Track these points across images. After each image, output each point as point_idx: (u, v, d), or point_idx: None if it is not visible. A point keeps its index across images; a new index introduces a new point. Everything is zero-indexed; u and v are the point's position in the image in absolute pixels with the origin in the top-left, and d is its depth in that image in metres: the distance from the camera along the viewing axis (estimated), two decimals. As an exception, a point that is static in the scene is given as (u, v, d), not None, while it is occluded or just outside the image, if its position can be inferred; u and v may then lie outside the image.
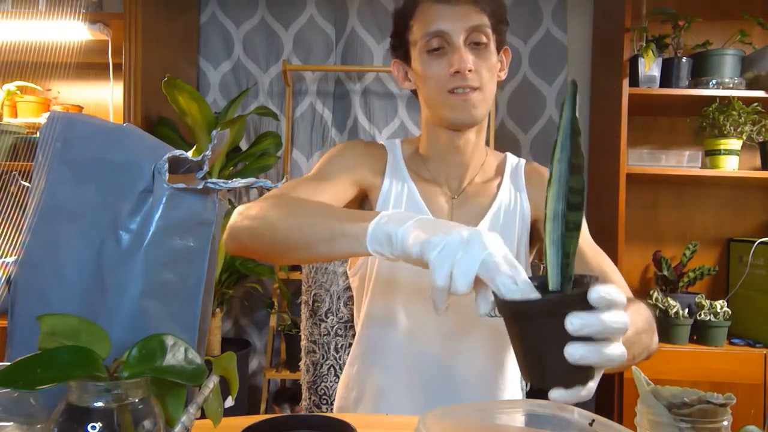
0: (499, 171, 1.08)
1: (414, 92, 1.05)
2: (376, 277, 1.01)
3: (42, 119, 0.60)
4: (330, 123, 2.55)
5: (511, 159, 1.10)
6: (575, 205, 0.52)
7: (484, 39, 0.93)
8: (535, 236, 1.06)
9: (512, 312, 0.53)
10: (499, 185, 1.05)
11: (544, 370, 0.52)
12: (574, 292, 0.51)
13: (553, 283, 0.53)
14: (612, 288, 0.50)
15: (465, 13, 0.92)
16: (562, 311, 0.49)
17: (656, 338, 0.85)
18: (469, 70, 0.91)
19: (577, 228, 0.52)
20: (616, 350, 0.51)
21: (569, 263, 0.52)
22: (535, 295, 0.52)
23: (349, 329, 1.20)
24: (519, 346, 0.54)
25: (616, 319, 0.50)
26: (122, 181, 0.56)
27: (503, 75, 1.02)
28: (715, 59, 2.10)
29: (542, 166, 1.10)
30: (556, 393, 0.51)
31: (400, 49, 1.01)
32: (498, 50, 0.98)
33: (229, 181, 0.58)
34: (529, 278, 0.54)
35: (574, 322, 0.49)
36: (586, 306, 0.49)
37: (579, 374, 0.51)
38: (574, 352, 0.49)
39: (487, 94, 0.95)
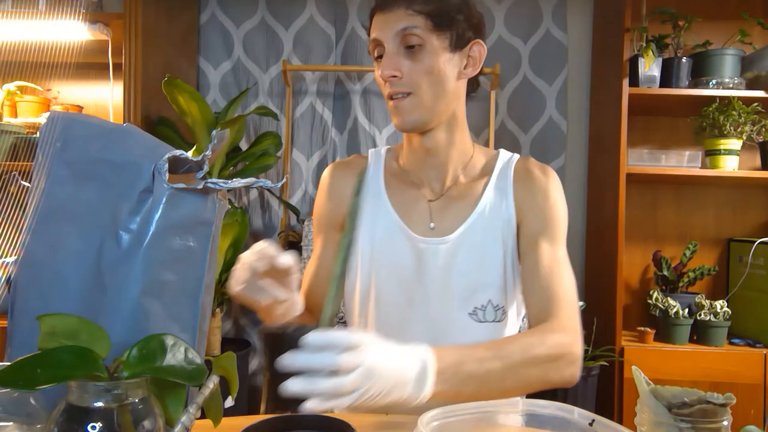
0: (488, 170, 1.04)
1: None
2: (361, 302, 1.03)
3: (42, 119, 0.60)
4: (330, 123, 2.55)
5: (503, 156, 1.06)
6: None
7: (415, 41, 0.91)
8: (522, 241, 1.00)
9: (265, 338, 0.64)
10: (486, 185, 1.02)
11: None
12: (295, 332, 0.62)
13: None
14: (324, 335, 0.61)
15: (394, 19, 0.91)
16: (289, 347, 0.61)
17: (568, 370, 0.84)
18: (393, 76, 0.91)
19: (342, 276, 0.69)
20: (328, 384, 0.60)
21: (337, 317, 0.67)
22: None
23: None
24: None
25: (321, 359, 0.60)
26: (122, 181, 0.56)
27: (471, 72, 0.98)
28: (715, 59, 2.10)
29: (536, 163, 1.04)
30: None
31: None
32: (457, 46, 0.94)
33: (229, 181, 0.58)
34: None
35: (284, 360, 0.61)
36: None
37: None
38: (291, 386, 0.60)
39: (425, 96, 0.93)
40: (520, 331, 1.08)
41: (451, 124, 0.99)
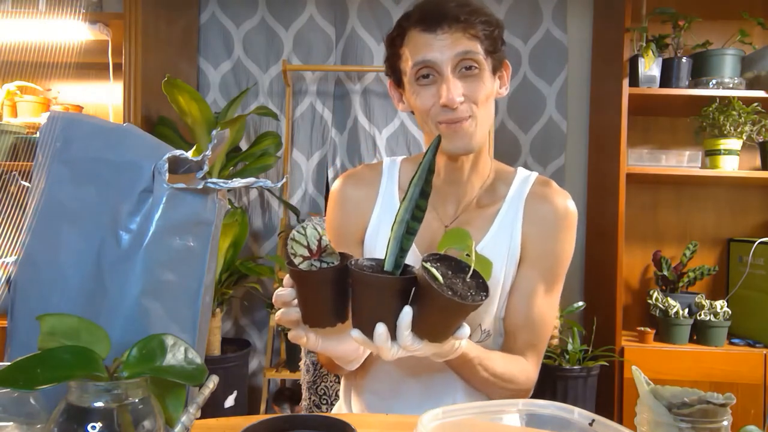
0: (501, 194, 1.01)
1: (413, 112, 1.01)
2: None
3: (42, 119, 0.60)
4: (330, 123, 2.55)
5: (520, 177, 1.03)
6: (417, 218, 0.66)
7: (475, 65, 0.90)
8: (521, 271, 0.99)
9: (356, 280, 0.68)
10: (497, 212, 0.99)
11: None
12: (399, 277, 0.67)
13: (388, 266, 0.67)
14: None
15: (453, 41, 0.88)
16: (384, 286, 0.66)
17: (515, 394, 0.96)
18: (461, 102, 0.89)
19: (414, 233, 0.66)
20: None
21: (402, 256, 0.67)
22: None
23: (349, 329, 1.20)
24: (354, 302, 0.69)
25: None
26: (122, 181, 0.56)
27: (504, 91, 0.98)
28: (715, 59, 2.11)
29: (559, 192, 1.00)
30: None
31: (394, 75, 0.98)
32: (496, 69, 0.95)
33: (229, 181, 0.58)
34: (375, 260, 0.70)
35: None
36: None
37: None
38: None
39: (482, 119, 0.92)
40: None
41: (481, 148, 0.98)
